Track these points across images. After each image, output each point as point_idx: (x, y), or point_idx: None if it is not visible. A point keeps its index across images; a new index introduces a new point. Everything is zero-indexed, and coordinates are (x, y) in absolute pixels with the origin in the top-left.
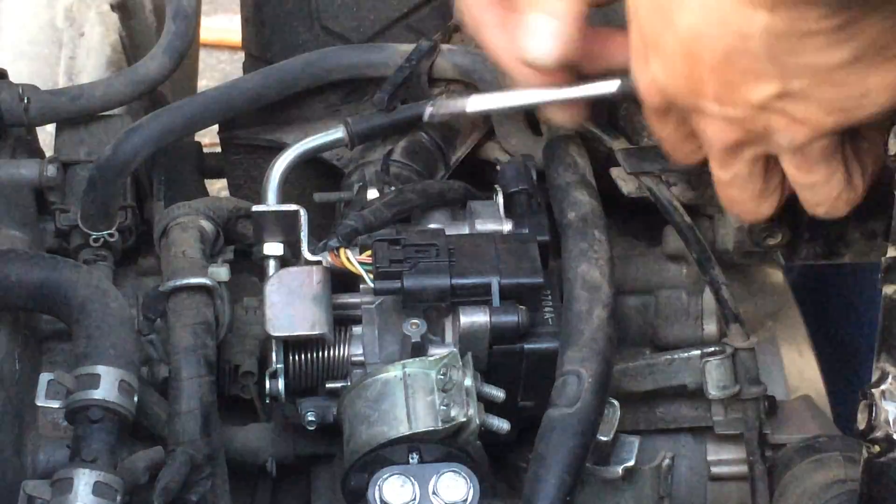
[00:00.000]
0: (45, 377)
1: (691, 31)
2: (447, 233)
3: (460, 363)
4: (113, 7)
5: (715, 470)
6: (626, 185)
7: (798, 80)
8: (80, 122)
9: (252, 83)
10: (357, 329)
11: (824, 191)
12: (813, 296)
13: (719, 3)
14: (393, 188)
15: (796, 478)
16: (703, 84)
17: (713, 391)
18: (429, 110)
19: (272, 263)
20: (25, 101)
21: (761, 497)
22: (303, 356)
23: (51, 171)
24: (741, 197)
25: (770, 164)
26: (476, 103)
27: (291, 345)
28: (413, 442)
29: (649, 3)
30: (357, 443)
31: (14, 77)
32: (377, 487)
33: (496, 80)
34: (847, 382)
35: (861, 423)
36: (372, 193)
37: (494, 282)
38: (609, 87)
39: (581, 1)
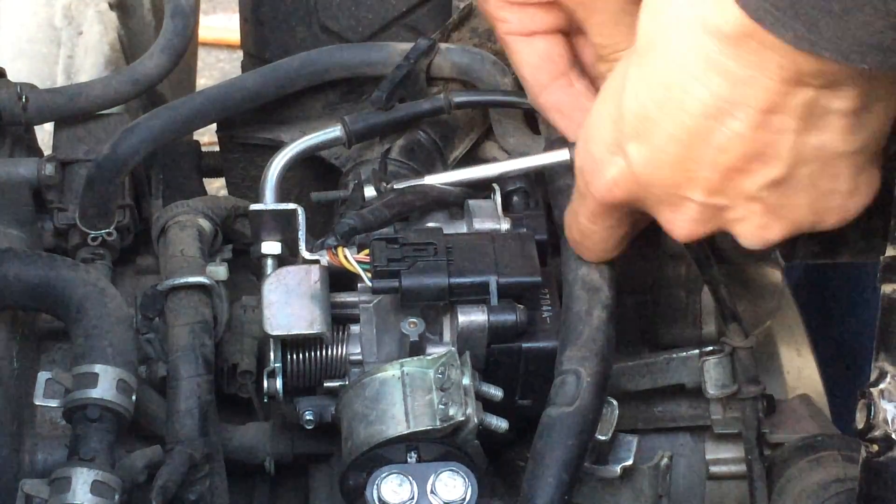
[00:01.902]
0: (43, 376)
1: (707, 111)
2: (445, 232)
3: (458, 362)
4: (111, 6)
5: (713, 469)
6: None
7: (805, 167)
8: (79, 120)
9: (250, 82)
10: (355, 328)
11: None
12: (814, 295)
13: (752, 85)
14: (390, 186)
15: (795, 477)
16: (700, 169)
17: (712, 390)
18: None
19: (270, 262)
20: (24, 99)
21: (760, 496)
22: (301, 355)
23: (49, 169)
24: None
25: None
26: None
27: (289, 344)
28: (411, 441)
29: (647, 83)
30: (355, 442)
31: (12, 76)
32: (375, 486)
33: (494, 80)
34: (848, 382)
35: (859, 422)
36: (369, 192)
37: (492, 281)
38: (561, 155)
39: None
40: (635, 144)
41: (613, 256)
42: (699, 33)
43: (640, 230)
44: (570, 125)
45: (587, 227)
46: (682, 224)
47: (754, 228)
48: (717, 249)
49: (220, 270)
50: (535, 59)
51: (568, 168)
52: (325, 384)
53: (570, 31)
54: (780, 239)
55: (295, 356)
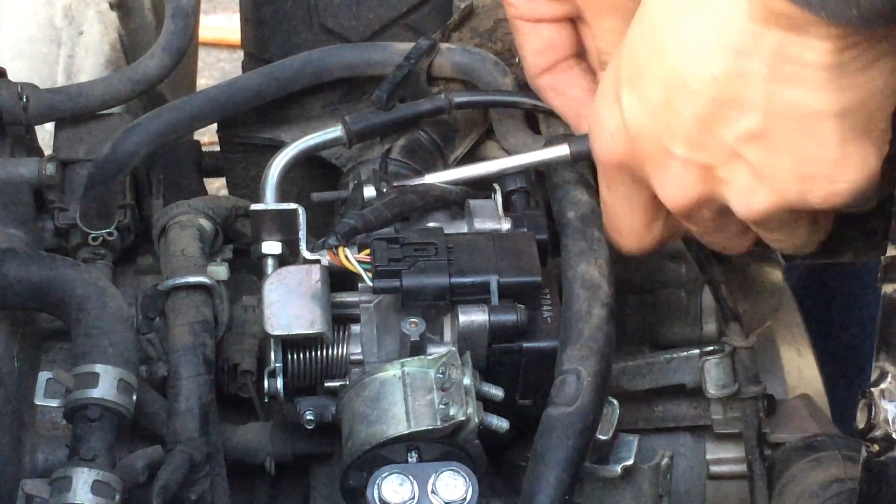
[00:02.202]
0: (43, 376)
1: (686, 50)
2: (446, 231)
3: (459, 362)
4: (112, 6)
5: (714, 469)
6: None
7: (781, 121)
8: (79, 120)
9: (251, 82)
10: (356, 328)
11: (788, 242)
12: (815, 295)
13: (725, 20)
14: (390, 185)
15: (795, 477)
16: (678, 118)
17: (712, 390)
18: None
19: (270, 262)
20: (24, 99)
21: (760, 496)
22: (301, 355)
23: (49, 169)
24: (717, 242)
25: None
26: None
27: (290, 344)
28: (412, 441)
29: (641, 28)
30: (356, 442)
31: (13, 76)
32: (376, 486)
33: (494, 80)
34: (848, 382)
35: (860, 422)
36: (368, 191)
37: (493, 280)
38: (561, 151)
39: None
40: (628, 91)
41: (652, 243)
42: None
43: (672, 226)
44: (564, 103)
45: (606, 197)
46: (672, 186)
47: (741, 192)
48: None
49: (220, 270)
50: (539, 44)
51: (567, 164)
52: (325, 384)
53: (577, 19)
54: (769, 207)
55: (295, 356)
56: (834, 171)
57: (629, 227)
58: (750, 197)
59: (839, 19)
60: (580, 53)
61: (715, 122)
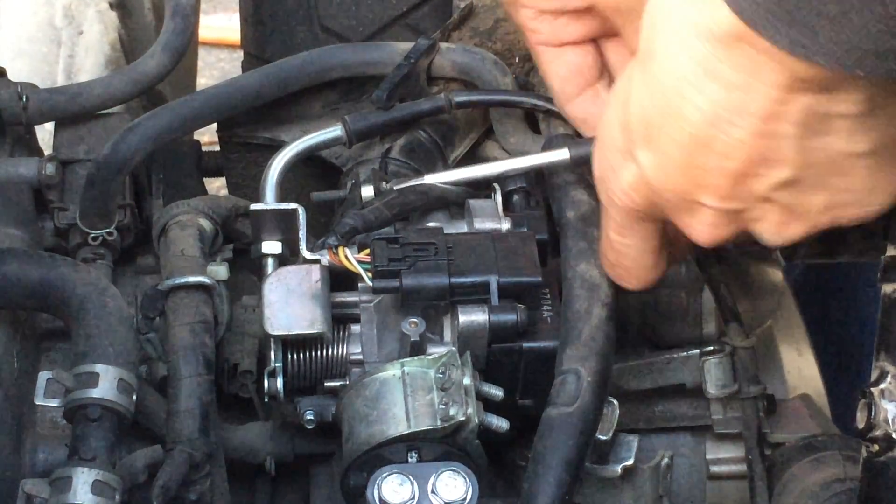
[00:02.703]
0: (43, 376)
1: (705, 118)
2: (446, 231)
3: (459, 362)
4: (112, 5)
5: (714, 469)
6: None
7: (813, 168)
8: (79, 120)
9: (251, 82)
10: (356, 328)
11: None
12: (816, 295)
13: (750, 90)
14: (390, 185)
15: (795, 476)
16: (707, 175)
17: (712, 390)
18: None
19: (270, 262)
20: (24, 99)
21: (760, 496)
22: (301, 355)
23: (49, 169)
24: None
25: None
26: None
27: (290, 343)
28: (412, 441)
29: (650, 89)
30: (356, 442)
31: (13, 75)
32: (376, 486)
33: (494, 79)
34: (848, 382)
35: (860, 421)
36: (366, 191)
37: (493, 280)
38: (561, 154)
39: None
40: (644, 151)
41: (658, 277)
42: (693, 37)
43: (679, 245)
44: (592, 128)
45: (618, 243)
46: (701, 229)
47: (774, 227)
48: (718, 249)
49: (220, 270)
50: (565, 70)
51: (567, 166)
52: (325, 384)
53: (601, 37)
54: (802, 235)
55: (295, 356)
56: (864, 199)
57: (637, 267)
58: (783, 230)
59: (877, 74)
60: (604, 74)
61: (745, 178)
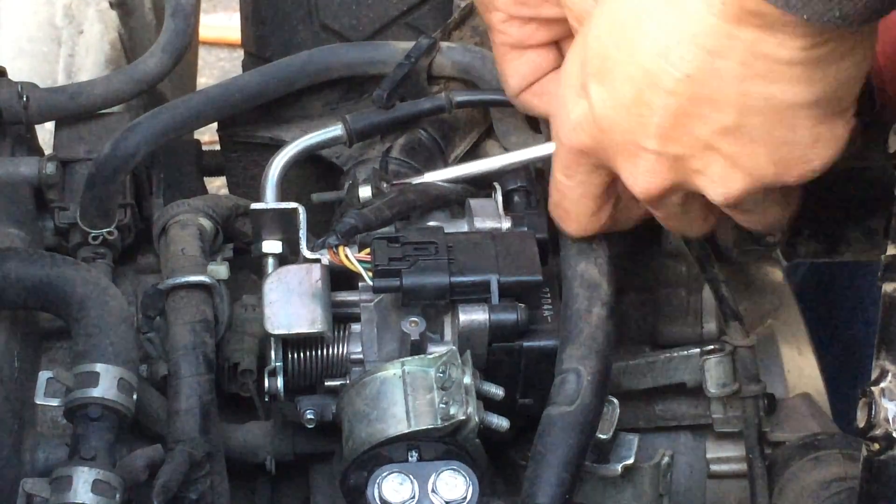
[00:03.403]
0: (44, 375)
1: (657, 49)
2: (446, 231)
3: (459, 361)
4: (112, 5)
5: (714, 468)
6: None
7: (756, 117)
8: (80, 119)
9: (251, 81)
10: (356, 327)
11: (762, 222)
12: (819, 295)
13: (699, 20)
14: (391, 185)
15: (795, 475)
16: (650, 114)
17: (712, 389)
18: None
19: (271, 261)
20: (24, 98)
21: (760, 495)
22: (302, 354)
23: (50, 168)
24: (679, 226)
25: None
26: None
27: (290, 343)
28: (412, 440)
29: (608, 23)
30: (356, 441)
31: (13, 75)
32: (376, 485)
33: (495, 79)
34: (849, 380)
35: (860, 420)
36: (364, 191)
37: (493, 280)
38: (550, 148)
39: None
40: (596, 85)
41: (597, 227)
42: None
43: (626, 207)
44: (550, 102)
45: (562, 183)
46: (641, 176)
47: (716, 180)
48: (718, 248)
49: (221, 269)
50: (526, 69)
51: None
52: (326, 383)
53: (563, 41)
54: (743, 192)
55: (296, 355)
56: (808, 153)
57: (577, 212)
58: (725, 183)
59: (820, 20)
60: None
61: (688, 118)
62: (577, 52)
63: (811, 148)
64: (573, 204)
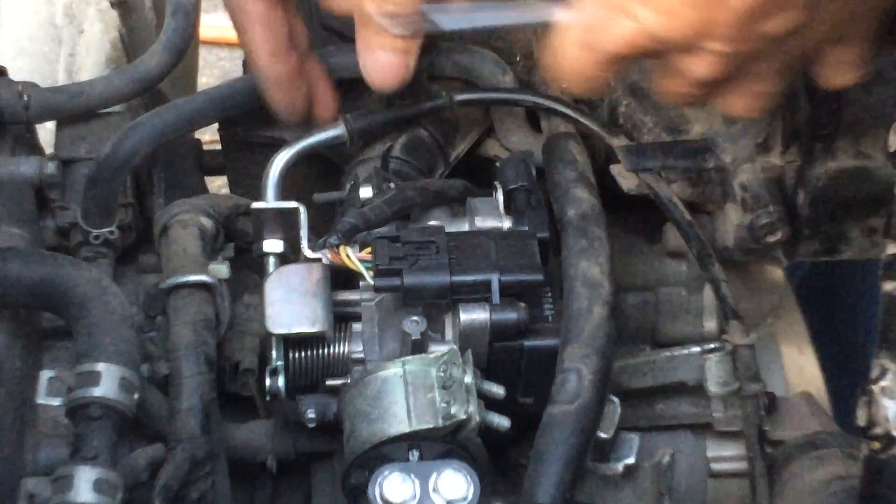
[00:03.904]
0: (45, 374)
1: None
2: (447, 230)
3: (460, 360)
4: (112, 4)
5: (715, 467)
6: (626, 181)
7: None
8: (80, 119)
9: (252, 81)
10: (357, 326)
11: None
12: (821, 294)
13: None
14: (392, 185)
15: (796, 474)
16: (718, 17)
17: (713, 388)
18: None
19: (271, 260)
20: (25, 98)
21: (761, 494)
22: (303, 353)
23: (51, 168)
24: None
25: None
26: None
27: (291, 342)
28: (413, 439)
29: None
30: (357, 440)
31: (14, 74)
32: (377, 485)
33: (494, 78)
34: (854, 380)
35: (861, 419)
36: (365, 192)
37: (494, 279)
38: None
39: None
40: (641, 5)
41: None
42: None
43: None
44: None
45: (579, 64)
46: (697, 71)
47: (770, 80)
48: (719, 248)
49: (222, 269)
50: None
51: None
52: (327, 382)
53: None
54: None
55: (297, 354)
56: (834, 31)
57: (585, 79)
58: (771, 86)
59: None
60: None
61: (760, 20)
62: None
63: (836, 28)
64: (580, 75)
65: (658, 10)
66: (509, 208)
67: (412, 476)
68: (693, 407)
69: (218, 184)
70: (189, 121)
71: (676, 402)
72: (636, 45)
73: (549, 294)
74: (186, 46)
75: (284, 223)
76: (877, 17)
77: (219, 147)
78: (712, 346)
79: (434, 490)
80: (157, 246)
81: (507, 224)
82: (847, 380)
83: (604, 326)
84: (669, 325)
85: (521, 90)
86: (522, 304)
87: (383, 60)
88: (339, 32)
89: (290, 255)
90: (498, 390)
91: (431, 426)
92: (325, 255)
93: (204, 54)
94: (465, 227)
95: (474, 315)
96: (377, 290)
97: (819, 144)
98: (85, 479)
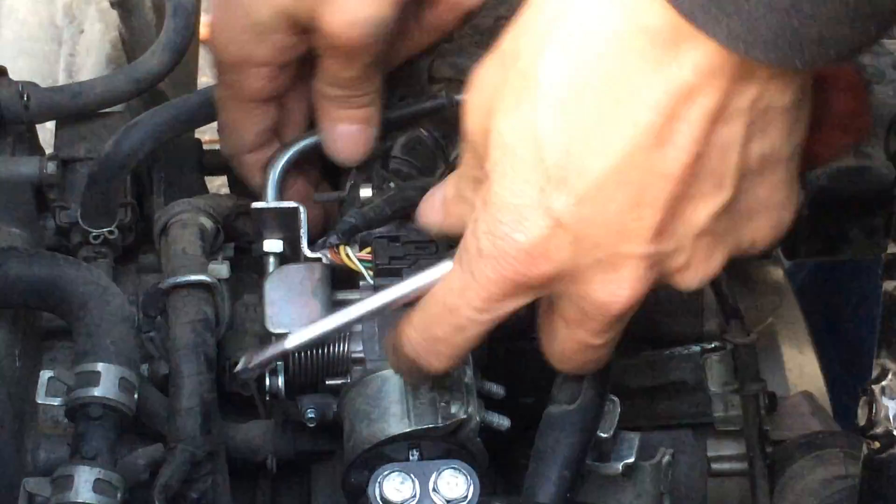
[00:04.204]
0: (45, 374)
1: (647, 126)
2: None
3: None
4: (113, 4)
5: (715, 466)
6: None
7: (749, 181)
8: (81, 119)
9: None
10: (357, 326)
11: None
12: (820, 293)
13: (701, 79)
14: (392, 185)
15: (796, 474)
16: (648, 210)
17: (713, 387)
18: (240, 366)
19: (271, 260)
20: (25, 98)
21: (761, 493)
22: (303, 353)
23: (50, 168)
24: (604, 357)
25: None
26: (295, 339)
27: None
28: (413, 439)
29: (567, 118)
30: (357, 440)
31: (14, 74)
32: (377, 484)
33: None
34: (854, 379)
35: (861, 419)
36: (365, 191)
37: None
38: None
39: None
40: (560, 195)
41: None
42: (627, 36)
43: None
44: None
45: (469, 318)
46: (624, 287)
47: (697, 267)
48: None
49: (221, 269)
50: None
51: None
52: (327, 382)
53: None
54: (717, 271)
55: (297, 354)
56: (782, 215)
57: (456, 356)
58: (705, 269)
59: (818, 64)
60: None
61: (687, 203)
62: (524, 175)
63: (785, 207)
64: (452, 350)
65: (578, 192)
66: None
67: (412, 476)
68: (693, 406)
69: (218, 184)
70: (189, 119)
71: (676, 401)
72: (547, 253)
73: None
74: (186, 46)
75: (284, 223)
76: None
77: (219, 147)
78: (713, 345)
79: (434, 490)
80: (156, 246)
81: None
82: (846, 379)
83: None
84: (669, 324)
85: None
86: None
87: (345, 133)
88: None
89: (290, 255)
90: (498, 390)
91: (431, 426)
92: (325, 255)
93: (204, 54)
94: None
95: None
96: (377, 290)
97: None
98: (85, 479)
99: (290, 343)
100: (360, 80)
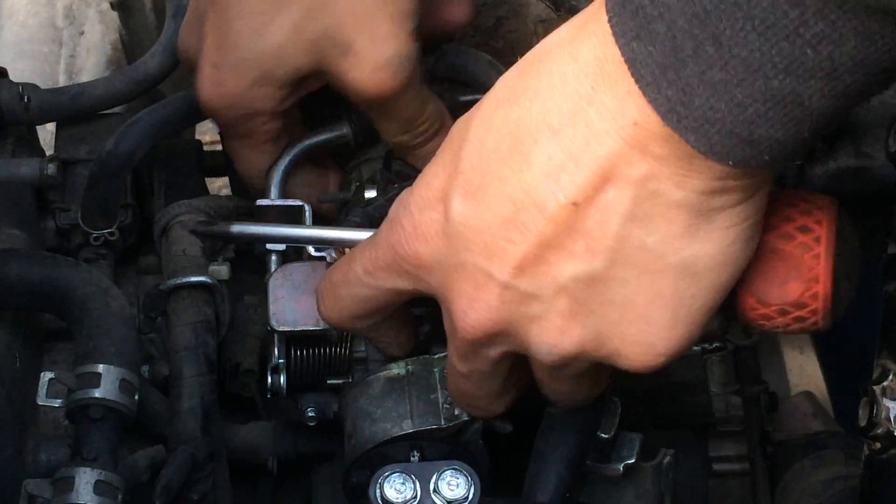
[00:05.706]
0: (45, 376)
1: (549, 167)
2: None
3: None
4: (113, 5)
5: (716, 467)
6: None
7: (625, 269)
8: (81, 120)
9: None
10: None
11: (569, 396)
12: None
13: (602, 140)
14: (395, 185)
15: (797, 474)
16: (520, 240)
17: (714, 388)
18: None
19: (274, 258)
20: (25, 99)
21: (762, 494)
22: (305, 351)
23: (51, 169)
24: (475, 393)
25: (514, 361)
26: (239, 228)
27: (294, 340)
28: (416, 440)
29: (496, 135)
30: (359, 440)
31: (14, 76)
32: (378, 485)
33: (489, 79)
34: (855, 380)
35: (862, 419)
36: (369, 193)
37: None
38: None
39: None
40: (461, 199)
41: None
42: (574, 76)
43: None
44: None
45: (362, 282)
46: (478, 307)
47: (551, 329)
48: None
49: (222, 270)
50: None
51: None
52: (328, 381)
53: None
54: (571, 351)
55: (299, 352)
56: (656, 340)
57: (364, 310)
58: (558, 337)
59: (749, 164)
60: None
61: (554, 252)
62: (444, 164)
63: (663, 332)
64: (352, 304)
65: (476, 203)
66: None
67: (413, 476)
68: (694, 406)
69: (218, 184)
70: (186, 115)
71: (678, 402)
72: (424, 242)
73: None
74: None
75: (288, 221)
76: None
77: (219, 147)
78: (714, 346)
79: (434, 491)
80: (157, 247)
81: None
82: (847, 379)
83: None
84: None
85: None
86: None
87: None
88: None
89: (293, 254)
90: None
91: (434, 427)
92: (330, 254)
93: None
94: None
95: None
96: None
97: (820, 144)
98: (85, 480)
99: (235, 228)
100: (415, 113)
